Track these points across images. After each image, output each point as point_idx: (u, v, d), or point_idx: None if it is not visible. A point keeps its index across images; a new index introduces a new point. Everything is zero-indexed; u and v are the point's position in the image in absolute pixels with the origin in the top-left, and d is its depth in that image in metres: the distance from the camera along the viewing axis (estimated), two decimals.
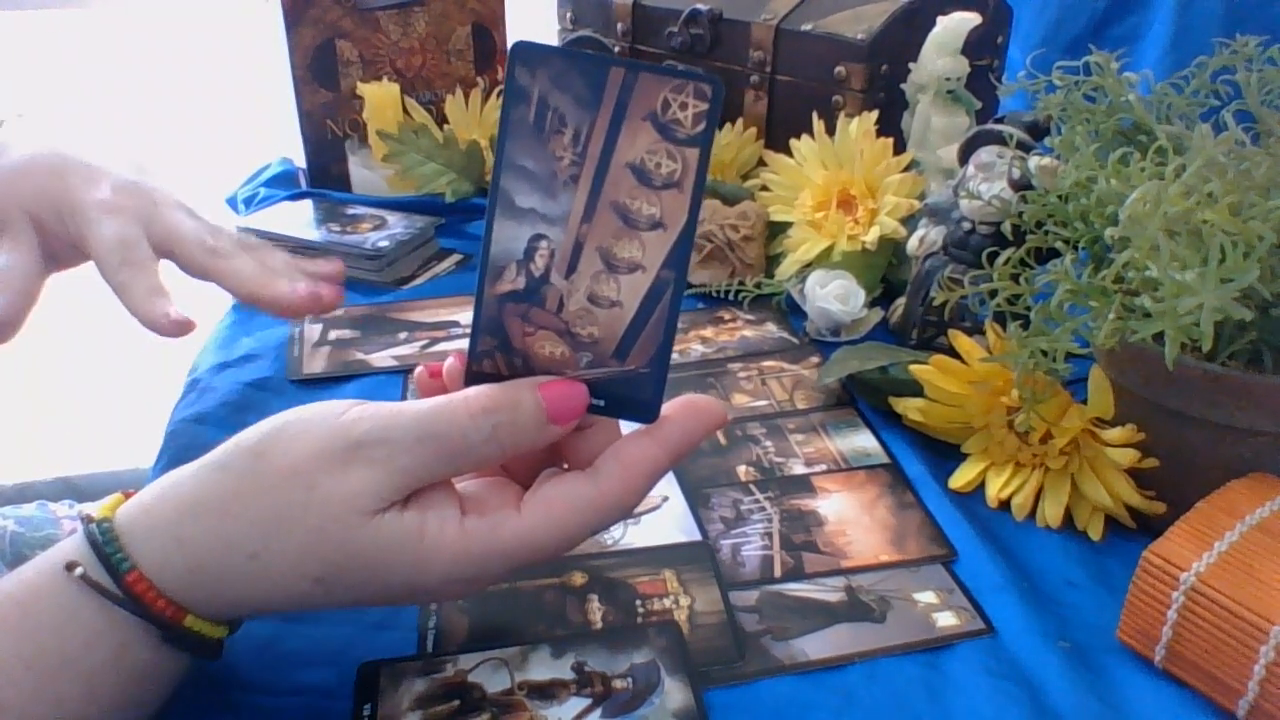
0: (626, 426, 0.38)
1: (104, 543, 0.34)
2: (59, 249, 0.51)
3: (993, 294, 0.52)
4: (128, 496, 0.37)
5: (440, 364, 0.39)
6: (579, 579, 0.47)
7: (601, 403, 0.37)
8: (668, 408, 0.38)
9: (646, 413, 0.37)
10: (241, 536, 0.34)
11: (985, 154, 0.62)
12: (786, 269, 0.74)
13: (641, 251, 0.35)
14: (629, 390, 0.37)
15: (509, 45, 1.02)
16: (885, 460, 0.57)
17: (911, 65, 0.75)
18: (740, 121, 0.87)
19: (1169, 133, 0.49)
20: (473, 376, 0.37)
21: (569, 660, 0.42)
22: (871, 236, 0.70)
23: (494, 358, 0.37)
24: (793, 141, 0.78)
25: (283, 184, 0.96)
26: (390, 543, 0.35)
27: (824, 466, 0.57)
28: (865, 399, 0.62)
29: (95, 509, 0.37)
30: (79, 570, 0.34)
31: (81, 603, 0.34)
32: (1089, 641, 0.45)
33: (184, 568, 0.35)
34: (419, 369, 0.39)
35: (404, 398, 0.63)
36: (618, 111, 0.34)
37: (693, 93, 0.34)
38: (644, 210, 0.35)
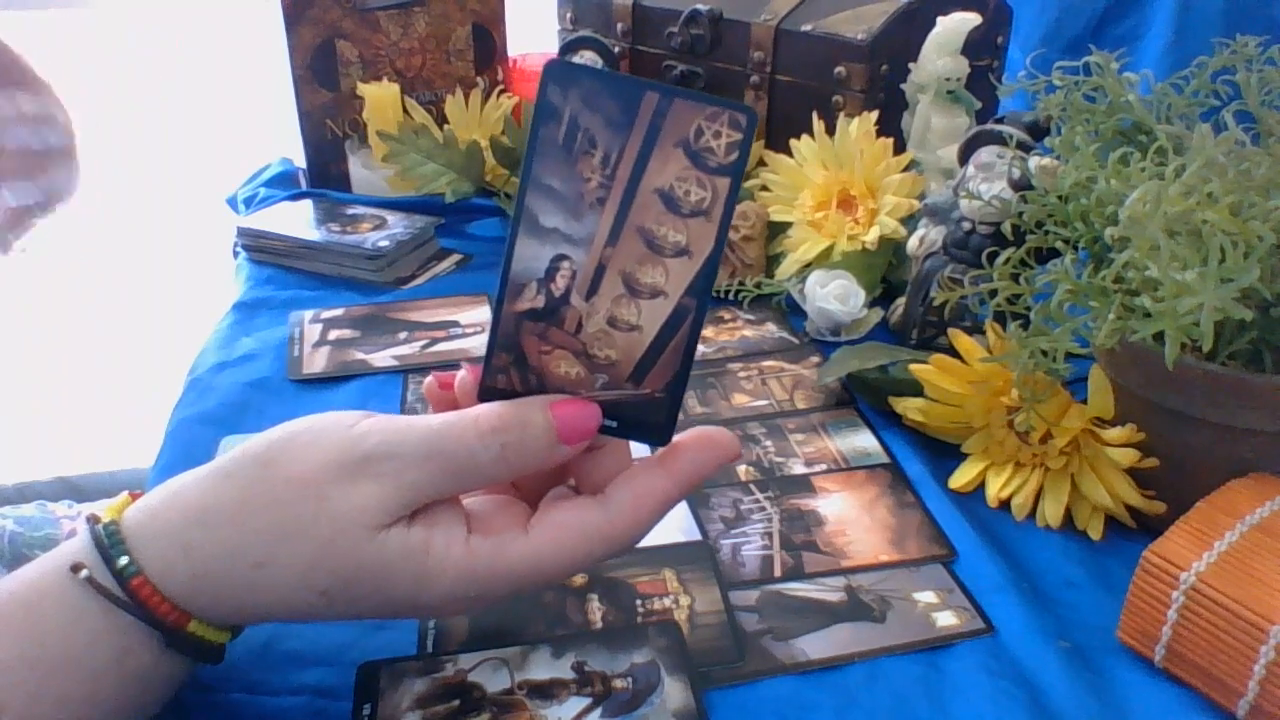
0: (637, 448, 0.38)
1: (110, 545, 0.34)
2: None
3: (993, 294, 0.52)
4: (134, 498, 0.37)
5: (452, 375, 0.38)
6: (579, 579, 0.47)
7: (614, 424, 0.37)
8: (681, 437, 0.37)
9: (659, 436, 0.37)
10: (247, 546, 0.34)
11: (985, 154, 0.62)
12: (787, 269, 0.74)
13: (665, 277, 0.35)
14: (643, 413, 0.37)
15: (508, 46, 1.02)
16: (885, 460, 0.57)
17: (911, 65, 0.75)
18: None
19: (1169, 133, 0.49)
20: (486, 392, 0.37)
21: (569, 660, 0.42)
22: (871, 236, 0.70)
23: (508, 374, 0.36)
24: (793, 142, 0.78)
25: (283, 184, 0.96)
26: (396, 558, 0.34)
27: (824, 466, 0.57)
28: (865, 399, 0.62)
29: (102, 510, 0.37)
30: (84, 572, 0.34)
31: (85, 604, 0.34)
32: (1089, 641, 0.45)
33: (188, 574, 0.35)
34: (429, 379, 0.39)
35: (403, 398, 0.63)
36: (649, 136, 0.34)
37: (727, 121, 0.34)
38: (670, 237, 0.35)
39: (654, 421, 0.37)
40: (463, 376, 0.38)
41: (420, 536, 0.35)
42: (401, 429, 0.35)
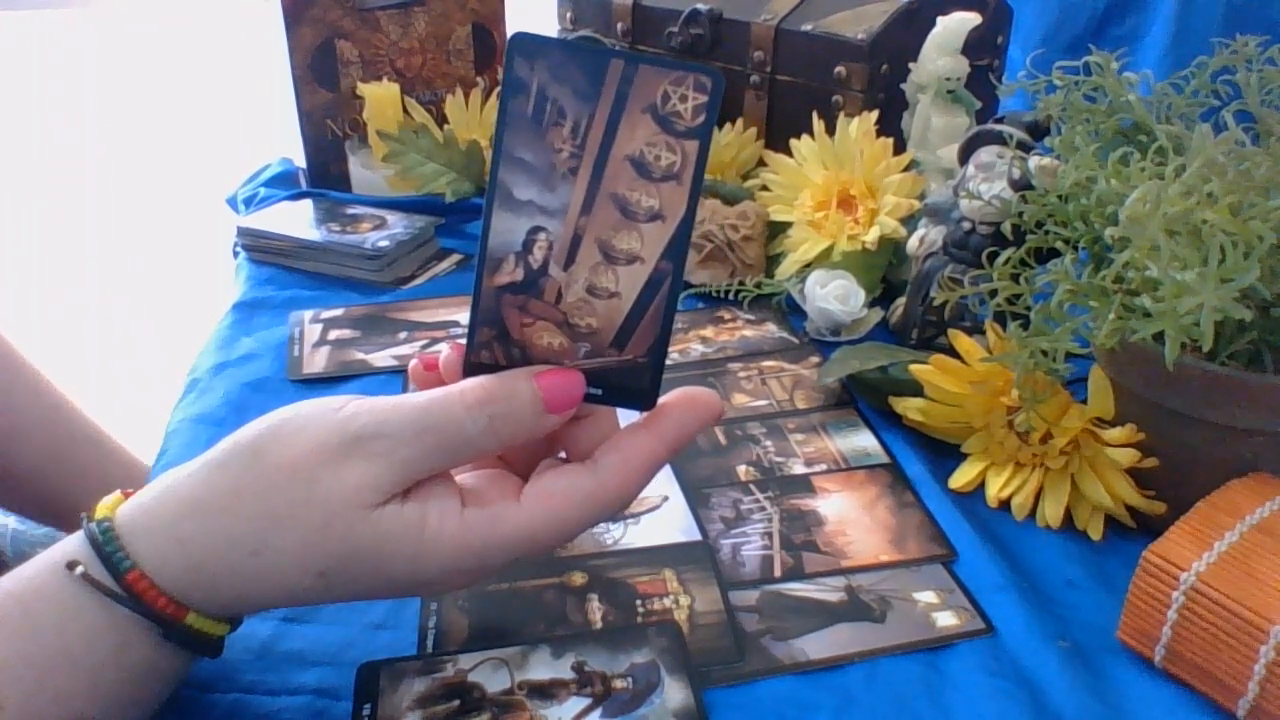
0: (624, 415, 0.38)
1: (104, 542, 0.35)
2: None
3: (993, 294, 0.52)
4: (127, 495, 0.37)
5: (435, 357, 0.39)
6: (579, 579, 0.47)
7: (599, 391, 0.37)
8: (665, 399, 0.38)
9: (644, 401, 0.37)
10: (242, 534, 0.34)
11: (985, 154, 0.62)
12: (786, 269, 0.74)
13: (640, 243, 0.35)
14: (627, 379, 0.37)
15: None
16: (885, 460, 0.57)
17: (911, 65, 0.74)
18: (740, 121, 0.87)
19: (1169, 133, 0.49)
20: (471, 367, 0.37)
21: (569, 660, 0.42)
22: (871, 236, 0.70)
23: (492, 348, 0.37)
24: (793, 141, 0.78)
25: (283, 184, 0.96)
26: (391, 536, 0.35)
27: (824, 466, 0.57)
28: (865, 399, 0.62)
29: (96, 508, 0.37)
30: (80, 569, 0.34)
31: (82, 601, 0.34)
32: (1089, 641, 0.45)
33: (185, 566, 0.35)
34: (413, 361, 0.39)
35: None
36: (617, 103, 0.34)
37: (692, 85, 0.34)
38: (643, 202, 0.35)
39: (638, 387, 0.37)
40: (447, 354, 0.38)
41: (415, 513, 0.35)
42: (389, 408, 0.35)
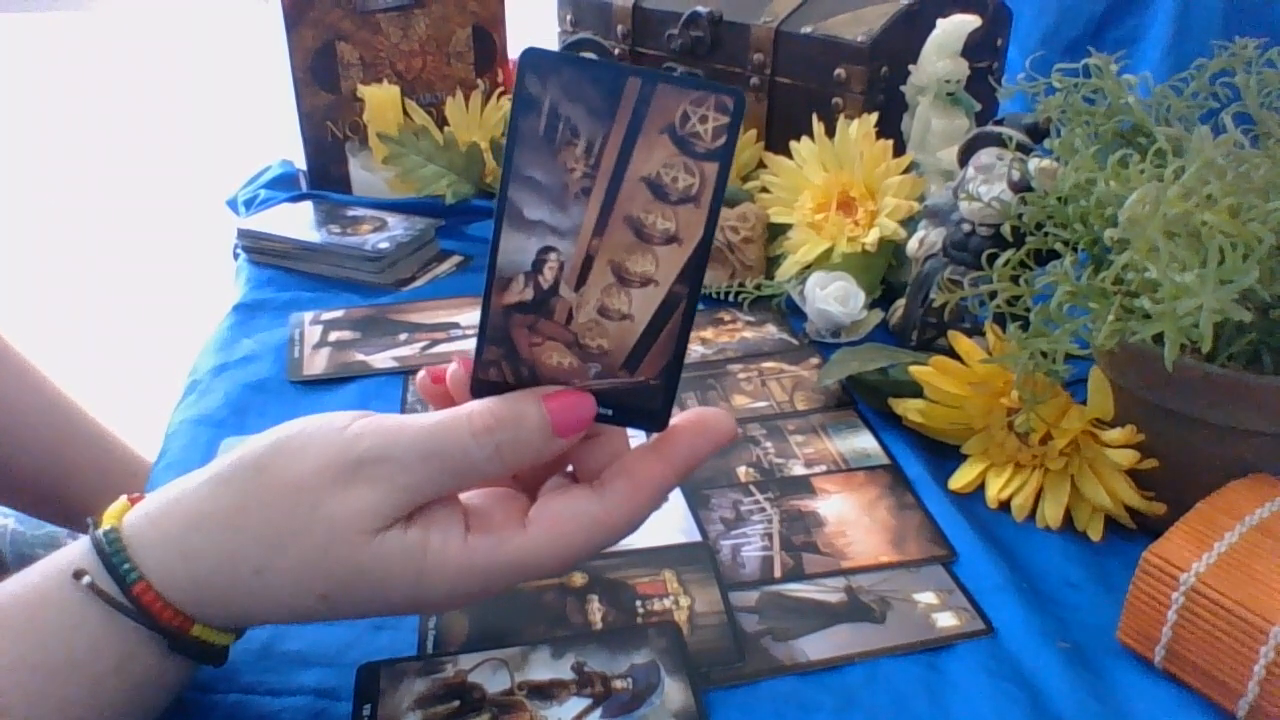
0: (634, 434, 0.38)
1: (111, 552, 0.34)
2: None
3: (992, 295, 0.52)
4: (133, 501, 0.37)
5: (443, 368, 0.38)
6: (579, 579, 0.47)
7: (610, 412, 0.36)
8: (676, 421, 0.37)
9: (656, 422, 0.37)
10: (246, 551, 0.34)
11: (985, 156, 0.62)
12: (786, 270, 0.74)
13: (655, 266, 0.34)
14: (639, 400, 0.36)
15: (508, 48, 1.02)
16: (885, 461, 0.57)
17: (911, 67, 0.75)
18: None
19: (1168, 135, 0.49)
20: (479, 385, 0.36)
21: (569, 660, 0.42)
22: (871, 238, 0.70)
23: (500, 366, 0.36)
24: (792, 143, 0.78)
25: (283, 186, 0.96)
26: (393, 561, 0.34)
27: (824, 467, 0.57)
28: (865, 400, 0.63)
29: (102, 515, 0.37)
30: (86, 579, 0.34)
31: (88, 610, 0.34)
32: (1089, 642, 0.45)
33: (189, 580, 0.35)
34: (421, 374, 0.39)
35: (404, 400, 0.63)
36: (634, 123, 0.33)
37: (714, 105, 0.33)
38: (659, 225, 0.34)
39: (650, 408, 0.36)
40: (454, 370, 0.37)
41: (417, 538, 0.35)
42: (394, 430, 0.35)
